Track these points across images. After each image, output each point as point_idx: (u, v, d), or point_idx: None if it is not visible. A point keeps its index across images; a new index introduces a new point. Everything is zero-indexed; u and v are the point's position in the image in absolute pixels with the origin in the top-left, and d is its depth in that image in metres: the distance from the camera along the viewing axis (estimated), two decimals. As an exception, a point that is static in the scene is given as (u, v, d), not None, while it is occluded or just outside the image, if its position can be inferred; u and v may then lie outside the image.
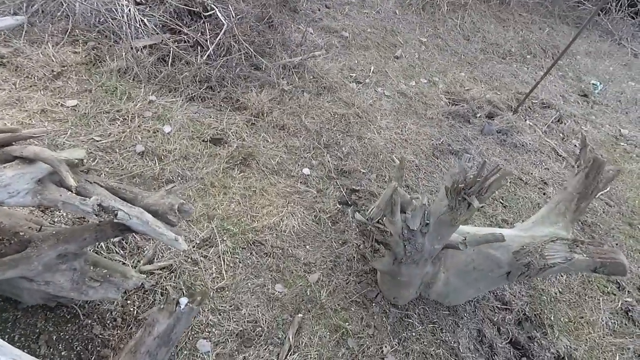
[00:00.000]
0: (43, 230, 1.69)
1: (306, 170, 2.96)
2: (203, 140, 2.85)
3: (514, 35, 6.22)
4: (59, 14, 3.26)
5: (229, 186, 2.64)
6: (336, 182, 2.97)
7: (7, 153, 1.34)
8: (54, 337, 1.77)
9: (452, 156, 3.73)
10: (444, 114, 4.17)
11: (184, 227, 2.35)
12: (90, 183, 1.54)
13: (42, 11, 3.23)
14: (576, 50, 6.53)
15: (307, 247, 2.53)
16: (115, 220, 1.47)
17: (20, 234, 1.63)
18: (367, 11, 5.29)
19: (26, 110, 2.57)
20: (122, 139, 2.64)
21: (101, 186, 1.57)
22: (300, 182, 2.87)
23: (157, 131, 2.78)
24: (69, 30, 3.16)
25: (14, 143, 1.41)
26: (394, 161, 3.31)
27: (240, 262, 2.30)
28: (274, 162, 2.92)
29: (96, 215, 1.41)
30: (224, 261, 2.28)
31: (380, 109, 3.81)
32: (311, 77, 3.70)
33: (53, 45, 3.03)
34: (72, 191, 1.32)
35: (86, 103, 2.77)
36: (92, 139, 2.57)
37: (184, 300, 1.49)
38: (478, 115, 4.41)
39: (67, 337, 1.78)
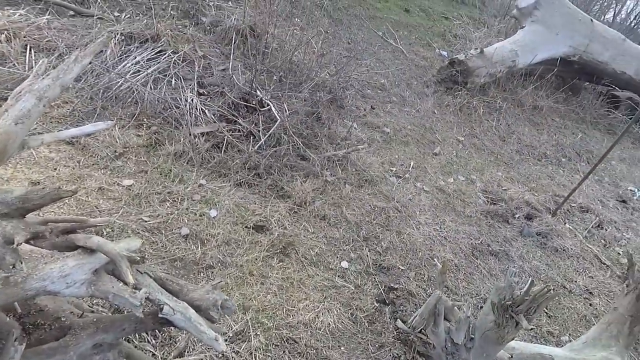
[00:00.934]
0: (84, 316, 1.67)
1: (345, 264, 2.88)
2: (246, 227, 2.88)
3: (548, 138, 6.31)
4: (129, 100, 3.63)
5: (267, 275, 2.59)
6: (374, 277, 2.86)
7: (70, 241, 1.39)
8: None
9: (492, 257, 3.58)
10: (482, 212, 4.10)
11: (219, 319, 2.26)
12: (141, 273, 1.54)
13: (116, 97, 3.61)
14: (611, 156, 6.49)
15: (342, 348, 2.36)
16: (159, 315, 1.44)
17: (62, 319, 1.61)
18: (408, 109, 5.58)
19: (84, 188, 2.73)
20: (169, 221, 2.71)
21: (150, 277, 1.56)
22: (338, 276, 2.78)
23: (204, 215, 2.85)
24: (135, 115, 3.47)
25: (78, 231, 1.46)
26: (433, 261, 3.19)
27: (270, 358, 2.16)
28: (313, 252, 2.87)
29: (142, 310, 1.38)
30: (255, 359, 2.14)
31: (419, 204, 3.79)
32: (354, 170, 3.80)
33: (119, 128, 3.32)
34: (128, 286, 1.32)
35: (141, 183, 2.93)
36: (141, 219, 2.66)
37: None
38: (517, 216, 4.31)
39: None
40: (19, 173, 2.66)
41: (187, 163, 3.25)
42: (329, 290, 2.66)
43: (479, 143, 5.60)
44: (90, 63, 3.24)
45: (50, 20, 4.37)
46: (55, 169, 2.82)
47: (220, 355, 2.11)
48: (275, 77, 4.21)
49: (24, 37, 3.98)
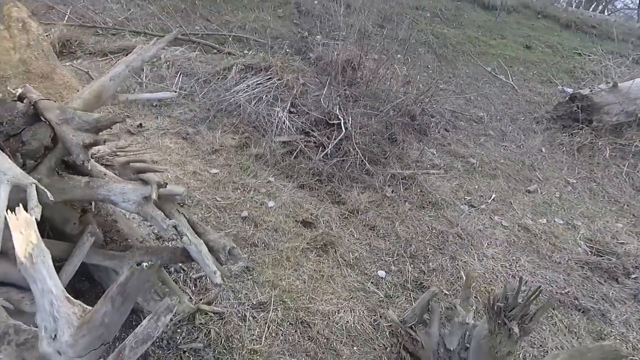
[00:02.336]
0: (143, 242, 2.17)
1: (382, 273, 2.88)
2: (296, 220, 3.16)
3: None
4: (234, 112, 4.39)
5: (301, 264, 2.79)
6: (410, 293, 2.77)
7: (133, 169, 1.90)
8: None
9: (577, 313, 3.05)
10: (577, 261, 3.52)
11: (249, 287, 2.55)
12: (179, 212, 1.95)
13: (225, 109, 4.42)
14: None
15: (354, 347, 2.36)
16: (181, 242, 1.80)
17: (128, 240, 2.13)
18: (506, 144, 5.22)
19: (184, 170, 3.42)
20: (235, 204, 3.18)
21: (185, 217, 1.97)
22: (372, 282, 2.79)
23: (263, 204, 3.24)
24: (235, 124, 4.19)
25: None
26: (489, 294, 2.90)
27: (282, 335, 2.31)
28: (352, 256, 2.96)
29: (167, 234, 1.77)
30: (268, 328, 2.33)
31: (490, 237, 3.50)
32: (418, 191, 3.77)
33: (221, 132, 4.05)
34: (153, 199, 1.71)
35: (224, 174, 3.51)
36: (215, 198, 3.19)
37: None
38: (633, 276, 3.56)
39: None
40: (147, 154, 3.51)
41: (264, 163, 3.75)
42: (357, 292, 2.70)
43: (597, 188, 4.82)
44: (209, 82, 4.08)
45: (198, 56, 5.63)
46: (170, 154, 3.62)
47: (240, 314, 2.37)
48: (359, 101, 4.53)
49: (178, 65, 5.22)
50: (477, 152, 4.79)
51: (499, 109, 5.79)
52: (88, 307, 1.07)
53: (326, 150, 3.70)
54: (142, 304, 2.02)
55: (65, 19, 5.47)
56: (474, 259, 3.19)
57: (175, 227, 1.78)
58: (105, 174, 1.82)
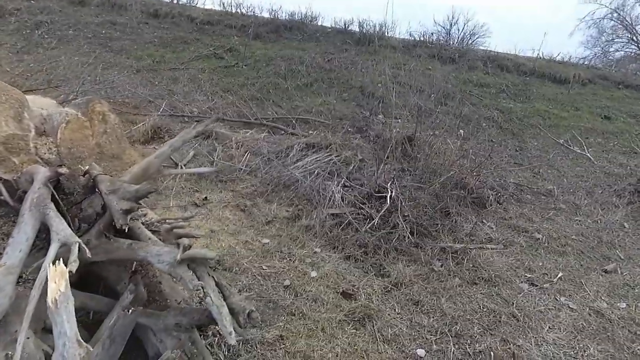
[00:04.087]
0: (180, 303, 2.42)
1: (421, 352, 2.72)
2: (336, 291, 3.20)
3: None
4: (292, 187, 4.78)
5: (336, 336, 2.78)
6: (452, 378, 2.56)
7: (174, 235, 2.22)
8: None
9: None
10: (671, 357, 2.95)
11: (280, 356, 2.60)
12: (209, 275, 2.19)
13: (284, 184, 4.83)
14: None
15: None
16: (203, 301, 2.01)
17: (168, 301, 2.40)
18: (580, 219, 4.78)
19: (237, 240, 3.76)
20: (279, 273, 3.36)
21: (214, 280, 2.20)
22: (409, 362, 2.65)
23: (306, 274, 3.37)
24: (290, 197, 4.54)
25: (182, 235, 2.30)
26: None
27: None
28: (390, 331, 2.87)
29: (196, 293, 1.99)
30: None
31: (552, 320, 3.13)
32: (470, 266, 3.59)
33: (277, 205, 4.41)
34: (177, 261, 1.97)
35: (273, 243, 3.76)
36: (261, 267, 3.41)
37: None
38: None
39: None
40: (207, 224, 3.96)
41: (313, 235, 3.94)
42: (394, 371, 2.58)
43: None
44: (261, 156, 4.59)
45: (266, 137, 6.34)
46: (227, 225, 4.02)
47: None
48: (414, 176, 4.64)
49: (246, 146, 5.93)
50: (544, 227, 4.46)
51: (572, 182, 5.42)
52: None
53: (373, 222, 3.79)
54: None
55: (160, 110, 6.67)
56: (531, 344, 2.87)
57: (201, 287, 2.00)
58: (149, 238, 2.16)
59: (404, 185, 4.45)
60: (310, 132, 6.64)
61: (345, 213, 4.14)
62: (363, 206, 4.20)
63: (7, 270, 1.62)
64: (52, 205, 1.78)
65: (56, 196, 1.86)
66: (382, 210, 3.86)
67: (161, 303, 2.39)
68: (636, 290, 3.66)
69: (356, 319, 2.94)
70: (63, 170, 1.89)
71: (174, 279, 2.23)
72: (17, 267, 1.64)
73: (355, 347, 2.71)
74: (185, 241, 2.10)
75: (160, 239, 2.25)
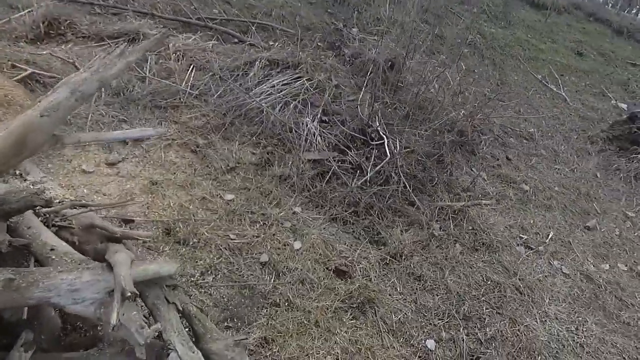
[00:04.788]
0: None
1: (431, 344, 2.36)
2: (327, 268, 2.64)
3: None
4: (256, 119, 3.83)
5: (334, 331, 2.28)
6: (467, 376, 2.26)
7: (101, 253, 1.36)
8: None
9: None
10: (651, 323, 2.98)
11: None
12: (168, 302, 1.42)
13: (245, 115, 3.85)
14: None
15: None
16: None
17: (98, 328, 1.61)
18: (559, 167, 4.61)
19: (190, 196, 2.89)
20: (252, 244, 2.66)
21: (177, 309, 1.44)
22: (419, 358, 2.28)
23: (287, 245, 2.72)
24: (257, 134, 3.63)
25: (124, 241, 1.44)
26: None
27: None
28: (395, 318, 2.44)
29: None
30: None
31: (551, 290, 2.95)
32: (470, 228, 3.21)
33: (239, 145, 3.50)
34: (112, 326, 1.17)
35: (240, 200, 2.98)
36: (228, 236, 2.67)
37: None
38: None
39: None
40: (145, 172, 2.98)
41: (289, 187, 3.20)
42: (403, 372, 2.19)
43: (660, 224, 4.22)
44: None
45: (215, 45, 5.01)
46: (174, 173, 3.08)
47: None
48: (400, 112, 3.94)
49: (190, 57, 4.62)
50: (529, 177, 4.19)
51: (550, 125, 5.15)
52: None
53: (366, 177, 3.14)
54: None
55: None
56: (536, 321, 2.66)
57: (160, 336, 1.26)
58: (53, 249, 1.28)
59: (391, 124, 3.77)
60: (271, 43, 5.40)
61: (328, 159, 3.41)
62: (347, 150, 3.49)
63: None
64: None
65: None
66: (373, 159, 3.20)
67: (87, 333, 1.59)
68: (614, 250, 3.64)
69: (355, 306, 2.45)
70: None
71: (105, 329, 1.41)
72: None
73: (358, 346, 2.25)
74: (121, 256, 1.27)
75: (73, 243, 1.37)
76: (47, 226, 1.37)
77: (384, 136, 3.32)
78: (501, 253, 3.11)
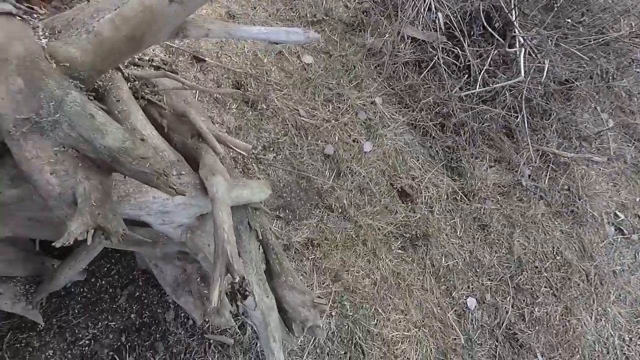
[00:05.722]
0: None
1: (471, 302, 2.17)
2: (391, 184, 2.27)
3: None
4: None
5: (379, 256, 2.07)
6: (495, 347, 2.12)
7: (190, 151, 1.02)
8: (136, 295, 1.60)
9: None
10: None
11: (307, 271, 1.92)
12: (250, 229, 1.15)
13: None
14: None
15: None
16: (238, 301, 1.07)
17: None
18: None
19: (265, 47, 2.34)
20: (321, 128, 2.25)
21: (257, 238, 1.18)
22: (455, 312, 2.12)
23: (356, 142, 2.30)
24: (357, -21, 2.78)
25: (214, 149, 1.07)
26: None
27: (326, 355, 1.80)
28: (444, 262, 2.19)
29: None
30: (314, 339, 1.80)
31: (622, 288, 2.59)
32: (565, 189, 2.67)
33: (333, -12, 2.70)
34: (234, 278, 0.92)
35: (318, 67, 2.43)
36: (297, 111, 2.24)
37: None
38: None
39: (146, 302, 1.59)
40: (215, -6, 2.37)
41: (375, 67, 2.58)
42: (433, 321, 2.05)
43: None
44: None
45: None
46: (255, 8, 2.47)
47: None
48: (555, 5, 2.87)
49: None
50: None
51: None
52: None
53: (474, 91, 2.44)
54: (171, 294, 1.44)
55: None
56: (590, 318, 2.40)
57: (243, 280, 1.00)
58: (142, 140, 0.94)
59: (526, 15, 2.81)
60: None
61: (433, 43, 2.65)
62: (461, 39, 2.67)
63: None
64: None
65: None
66: (489, 61, 2.45)
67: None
68: None
69: (408, 236, 2.18)
70: None
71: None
72: None
73: (399, 279, 2.07)
74: (220, 188, 0.94)
75: (162, 127, 1.03)
76: (137, 98, 1.00)
77: (524, 43, 2.45)
78: (586, 228, 2.64)
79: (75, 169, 0.54)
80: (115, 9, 0.66)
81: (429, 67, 2.59)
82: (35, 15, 0.60)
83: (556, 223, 2.57)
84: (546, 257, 2.44)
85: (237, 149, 1.20)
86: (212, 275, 0.91)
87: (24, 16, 0.59)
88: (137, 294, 1.59)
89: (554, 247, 2.48)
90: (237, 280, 0.90)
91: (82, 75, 0.61)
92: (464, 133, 2.53)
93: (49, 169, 0.53)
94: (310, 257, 1.94)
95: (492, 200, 2.45)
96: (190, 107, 1.11)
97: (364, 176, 2.22)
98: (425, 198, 2.31)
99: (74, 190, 0.54)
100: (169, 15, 0.72)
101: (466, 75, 2.59)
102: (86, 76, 0.63)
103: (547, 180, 2.63)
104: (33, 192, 0.80)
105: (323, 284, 1.93)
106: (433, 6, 2.77)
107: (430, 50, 2.64)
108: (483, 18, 2.73)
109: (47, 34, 0.61)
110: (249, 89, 2.17)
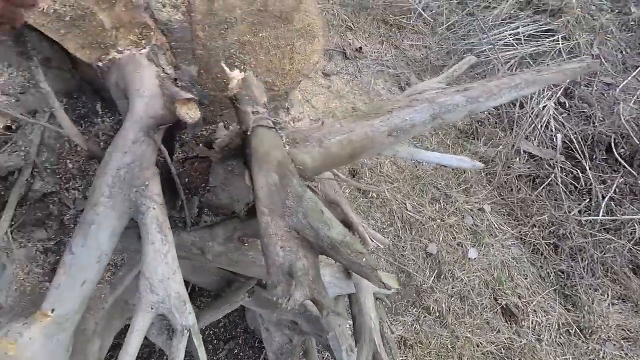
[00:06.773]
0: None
1: None
2: (495, 299, 2.13)
3: None
4: (479, 70, 3.09)
5: (474, 379, 1.87)
6: None
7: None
8: (235, 352, 1.63)
9: None
10: None
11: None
12: (371, 319, 1.16)
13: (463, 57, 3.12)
14: None
15: None
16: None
17: None
18: None
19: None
20: (425, 226, 2.25)
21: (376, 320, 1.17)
22: None
23: (461, 247, 2.24)
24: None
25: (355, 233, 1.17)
26: None
27: None
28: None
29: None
30: None
31: None
32: None
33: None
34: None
35: (429, 166, 2.51)
36: (405, 205, 2.30)
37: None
38: None
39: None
40: (351, 95, 2.68)
41: (486, 175, 2.59)
42: None
43: None
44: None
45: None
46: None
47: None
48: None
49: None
50: None
51: None
52: None
53: (594, 217, 2.30)
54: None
55: None
56: None
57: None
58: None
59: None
60: None
61: (550, 161, 2.61)
62: (580, 160, 2.60)
63: (56, 326, 0.67)
64: (156, 187, 0.69)
65: (168, 160, 0.73)
66: (614, 189, 2.30)
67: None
68: None
69: (509, 362, 1.95)
70: (186, 96, 0.68)
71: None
72: (74, 315, 0.69)
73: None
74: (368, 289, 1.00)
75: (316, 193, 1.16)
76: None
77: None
78: None
79: (298, 248, 0.64)
80: (344, 135, 0.84)
81: (545, 185, 2.52)
82: (278, 127, 0.78)
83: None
84: None
85: (375, 241, 1.25)
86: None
87: (276, 127, 0.76)
88: (236, 351, 1.63)
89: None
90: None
91: (307, 176, 0.78)
92: (582, 260, 2.32)
93: (280, 244, 0.64)
94: (401, 358, 1.83)
95: (615, 345, 2.13)
96: (339, 197, 1.22)
97: (466, 284, 2.12)
98: (532, 323, 2.09)
99: (291, 264, 0.63)
100: (384, 144, 0.89)
101: (587, 200, 2.46)
102: (309, 176, 0.79)
103: (684, 334, 2.24)
104: (230, 250, 0.93)
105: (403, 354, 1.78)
106: (553, 125, 2.79)
107: (547, 167, 2.60)
108: (608, 144, 2.67)
109: (289, 142, 0.79)
110: (364, 177, 2.30)
